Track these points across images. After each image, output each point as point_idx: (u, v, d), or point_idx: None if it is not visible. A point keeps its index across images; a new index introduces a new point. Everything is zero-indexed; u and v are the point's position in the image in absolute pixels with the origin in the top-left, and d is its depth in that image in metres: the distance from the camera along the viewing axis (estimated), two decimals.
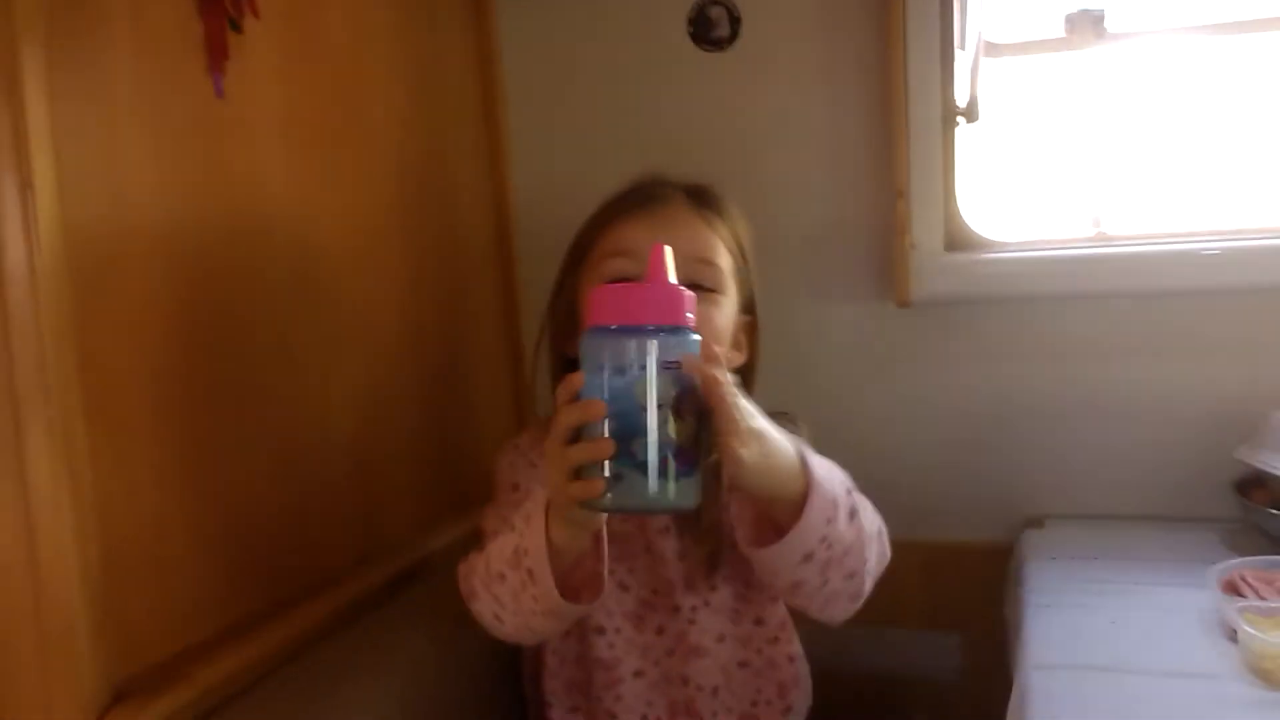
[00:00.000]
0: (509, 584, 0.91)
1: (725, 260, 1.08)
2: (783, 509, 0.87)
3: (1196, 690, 0.91)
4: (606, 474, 0.77)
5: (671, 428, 0.77)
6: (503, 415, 1.54)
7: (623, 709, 1.09)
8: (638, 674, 1.09)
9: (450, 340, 1.37)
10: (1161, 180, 1.49)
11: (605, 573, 0.91)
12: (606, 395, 0.77)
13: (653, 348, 0.77)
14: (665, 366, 0.77)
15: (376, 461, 1.22)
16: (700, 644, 1.10)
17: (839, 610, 0.96)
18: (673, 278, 0.81)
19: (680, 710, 1.10)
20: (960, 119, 1.43)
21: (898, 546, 1.20)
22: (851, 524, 0.90)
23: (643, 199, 1.10)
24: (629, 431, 0.76)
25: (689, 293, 0.81)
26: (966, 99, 1.44)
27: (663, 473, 0.77)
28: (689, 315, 0.80)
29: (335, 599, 1.08)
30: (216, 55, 0.98)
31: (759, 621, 1.12)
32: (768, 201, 1.39)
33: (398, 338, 1.25)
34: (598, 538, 0.90)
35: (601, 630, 1.09)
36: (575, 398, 0.78)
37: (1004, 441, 1.44)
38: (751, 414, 0.83)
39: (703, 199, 1.11)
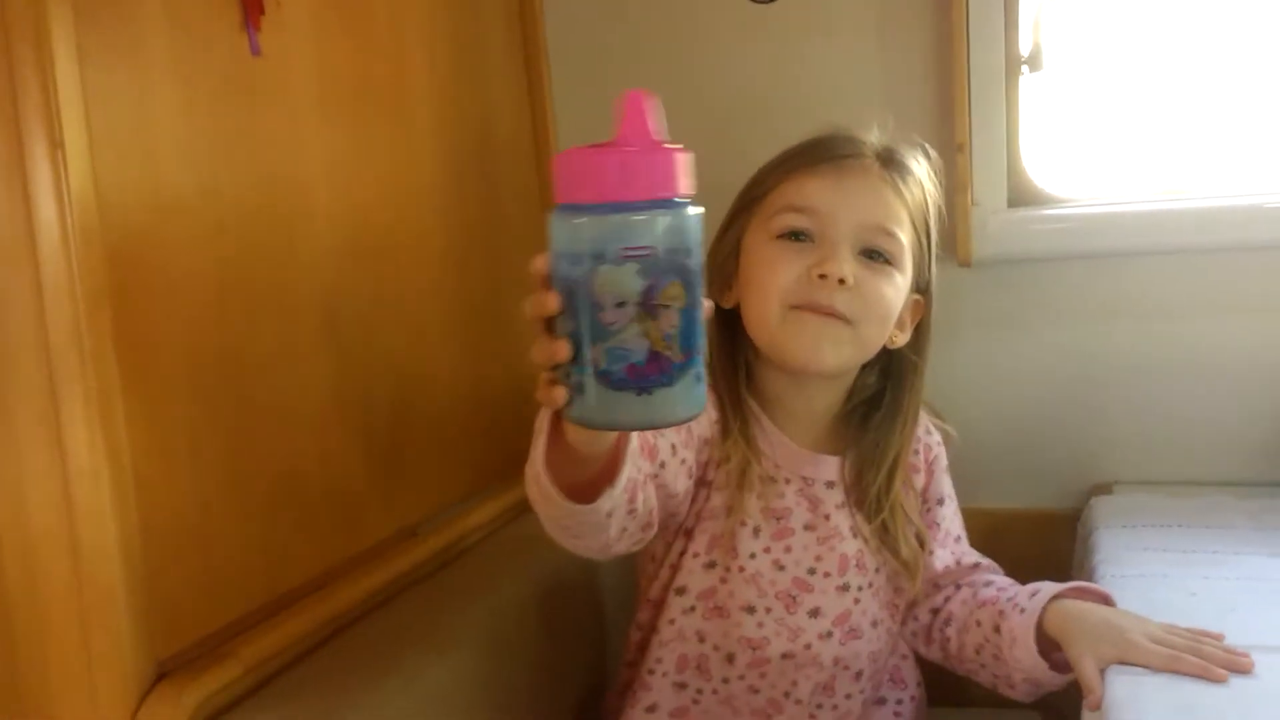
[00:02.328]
0: (535, 500, 0.82)
1: (907, 233, 1.04)
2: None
3: None
4: (571, 381, 0.66)
5: (636, 330, 0.64)
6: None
7: (766, 686, 1.07)
8: (786, 655, 1.06)
9: (492, 307, 1.33)
10: (1235, 131, 1.42)
11: (624, 465, 0.78)
12: (562, 288, 0.66)
13: (609, 233, 0.63)
14: (628, 255, 0.63)
15: (419, 432, 1.19)
16: (859, 626, 1.08)
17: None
18: (656, 133, 0.65)
19: (820, 689, 1.08)
20: (1024, 68, 1.37)
21: (963, 514, 1.17)
22: None
23: (832, 154, 1.04)
24: (585, 334, 0.65)
25: (676, 153, 0.65)
26: (1030, 47, 1.38)
27: (621, 385, 0.64)
28: (673, 182, 0.64)
29: (381, 572, 1.05)
30: (252, 11, 0.94)
31: (897, 611, 1.13)
32: None
33: (438, 304, 1.22)
34: (621, 437, 0.78)
35: (751, 609, 1.05)
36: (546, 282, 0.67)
37: (1070, 404, 1.39)
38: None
39: (895, 164, 1.06)
